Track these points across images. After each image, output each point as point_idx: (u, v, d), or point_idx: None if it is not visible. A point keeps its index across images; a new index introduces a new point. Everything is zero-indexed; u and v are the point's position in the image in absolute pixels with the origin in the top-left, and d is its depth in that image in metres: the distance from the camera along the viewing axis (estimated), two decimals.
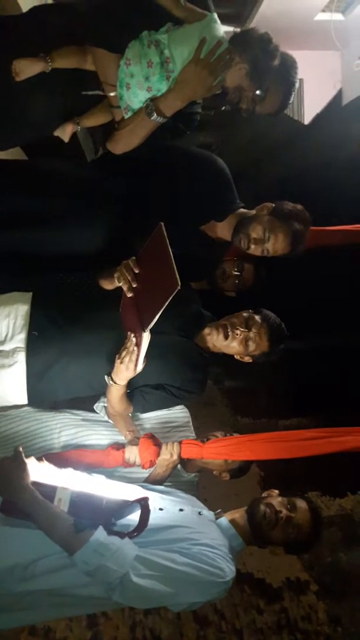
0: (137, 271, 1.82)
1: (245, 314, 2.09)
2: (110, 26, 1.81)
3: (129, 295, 1.84)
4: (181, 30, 1.80)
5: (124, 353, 1.86)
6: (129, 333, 1.88)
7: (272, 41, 1.81)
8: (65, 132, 2.17)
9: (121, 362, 1.86)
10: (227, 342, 2.06)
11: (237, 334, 2.05)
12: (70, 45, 1.88)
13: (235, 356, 2.13)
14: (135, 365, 1.87)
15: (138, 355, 1.85)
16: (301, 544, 1.94)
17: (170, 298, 1.62)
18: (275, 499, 1.94)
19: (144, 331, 1.78)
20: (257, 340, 2.06)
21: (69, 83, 1.97)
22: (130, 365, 1.86)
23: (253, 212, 2.18)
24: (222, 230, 2.23)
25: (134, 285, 1.82)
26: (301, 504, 1.93)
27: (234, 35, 1.82)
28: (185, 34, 1.79)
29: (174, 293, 1.60)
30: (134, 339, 1.84)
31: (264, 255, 2.15)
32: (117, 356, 1.89)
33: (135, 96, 1.87)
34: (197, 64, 1.78)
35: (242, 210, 2.21)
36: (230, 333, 2.05)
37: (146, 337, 1.81)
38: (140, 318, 1.79)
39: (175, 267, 1.60)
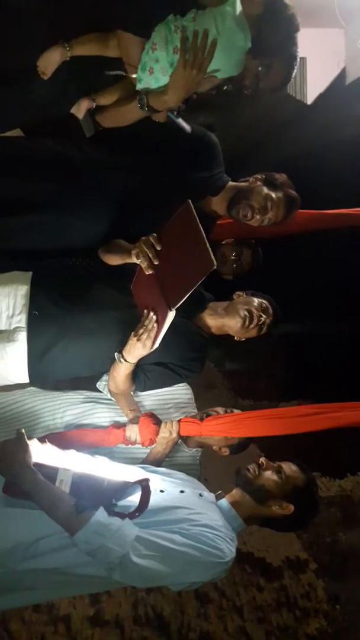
0: (159, 248, 1.80)
1: (257, 300, 2.12)
2: (137, 9, 1.75)
3: (148, 272, 1.82)
4: (204, 16, 1.73)
5: (141, 330, 1.85)
6: (145, 310, 1.87)
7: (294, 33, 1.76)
8: (80, 109, 2.14)
9: (138, 339, 1.85)
10: (248, 328, 2.08)
11: (259, 321, 2.08)
12: (91, 33, 1.84)
13: (235, 337, 2.15)
14: (153, 343, 1.86)
15: (158, 333, 1.84)
16: (302, 497, 1.90)
17: (205, 277, 1.62)
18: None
19: (170, 310, 1.76)
20: (268, 324, 2.11)
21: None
22: (147, 342, 1.85)
23: (245, 184, 2.19)
24: (216, 204, 2.24)
25: (156, 263, 1.80)
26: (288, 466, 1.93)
27: (254, 41, 1.74)
28: (205, 21, 1.72)
29: (209, 272, 1.60)
30: (153, 316, 1.84)
31: (262, 225, 2.17)
32: (132, 333, 1.88)
33: (156, 82, 1.83)
34: (184, 67, 1.72)
35: (231, 183, 2.21)
36: (253, 320, 2.07)
37: (171, 315, 1.79)
38: (165, 296, 1.78)
39: (209, 246, 1.60)
